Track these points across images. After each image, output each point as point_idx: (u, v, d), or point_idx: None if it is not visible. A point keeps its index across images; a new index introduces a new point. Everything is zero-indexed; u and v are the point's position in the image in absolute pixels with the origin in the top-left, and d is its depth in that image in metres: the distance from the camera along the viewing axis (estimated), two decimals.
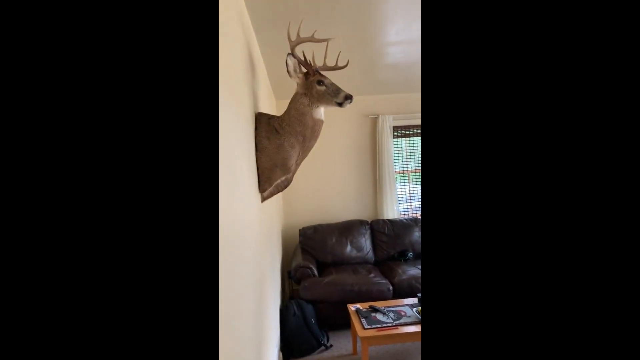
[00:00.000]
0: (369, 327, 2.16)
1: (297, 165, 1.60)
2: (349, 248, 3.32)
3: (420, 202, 3.88)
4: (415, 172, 3.89)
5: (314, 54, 1.58)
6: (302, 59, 1.54)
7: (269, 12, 1.81)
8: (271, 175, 1.54)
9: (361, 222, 3.48)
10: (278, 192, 1.65)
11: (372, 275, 2.95)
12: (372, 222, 3.53)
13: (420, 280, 2.84)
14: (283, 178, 1.58)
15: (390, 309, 2.37)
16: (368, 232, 3.45)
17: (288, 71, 1.50)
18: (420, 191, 3.88)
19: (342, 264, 3.26)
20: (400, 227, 3.44)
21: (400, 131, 3.83)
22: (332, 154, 3.75)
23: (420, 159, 3.87)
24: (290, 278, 2.98)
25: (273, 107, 3.08)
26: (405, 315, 2.28)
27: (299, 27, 1.52)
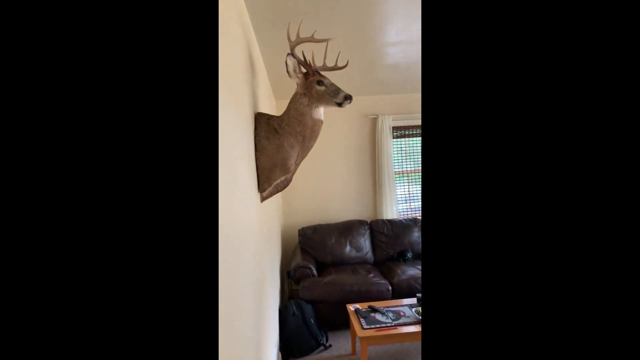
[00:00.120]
0: (368, 327, 2.16)
1: (297, 165, 1.60)
2: (348, 248, 3.32)
3: (420, 203, 3.88)
4: (415, 173, 3.89)
5: (314, 54, 1.58)
6: (302, 59, 1.54)
7: (268, 12, 1.81)
8: (270, 175, 1.54)
9: (360, 223, 3.48)
10: (277, 192, 1.65)
11: (371, 275, 2.95)
12: (371, 222, 3.53)
13: (419, 281, 2.85)
14: (282, 178, 1.58)
15: (389, 309, 2.37)
16: (367, 232, 3.45)
17: (288, 71, 1.50)
18: (419, 191, 3.88)
19: (341, 264, 3.26)
20: (399, 227, 3.44)
21: (400, 131, 3.83)
22: (331, 154, 3.75)
23: (419, 159, 3.87)
24: (290, 278, 2.98)
25: (273, 107, 3.08)
26: (404, 315, 2.28)
27: (299, 27, 1.52)
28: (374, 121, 3.74)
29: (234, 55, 1.20)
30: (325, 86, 1.48)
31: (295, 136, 1.50)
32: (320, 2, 1.77)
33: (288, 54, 1.48)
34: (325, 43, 1.55)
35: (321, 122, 1.54)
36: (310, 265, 2.95)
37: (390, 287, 2.82)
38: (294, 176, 1.65)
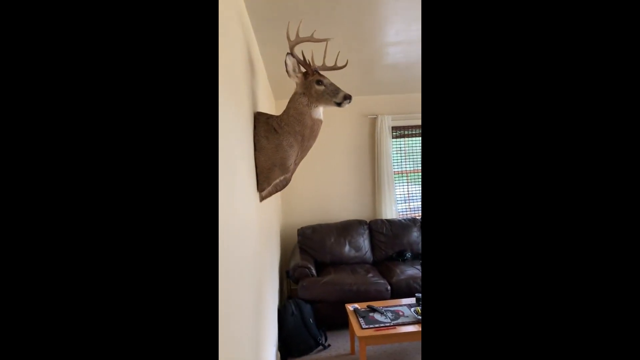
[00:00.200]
0: (366, 326, 2.16)
1: (296, 165, 1.60)
2: (347, 248, 3.32)
3: (419, 203, 3.89)
4: (414, 173, 3.90)
5: (313, 53, 1.58)
6: (301, 58, 1.54)
7: (268, 12, 1.81)
8: (270, 175, 1.54)
9: (360, 222, 3.49)
10: (277, 191, 1.65)
11: (370, 275, 2.95)
12: (370, 222, 3.53)
13: (418, 281, 2.85)
14: (282, 178, 1.58)
15: (388, 308, 2.37)
16: (366, 232, 3.45)
17: (287, 71, 1.50)
18: (418, 191, 3.89)
19: (340, 263, 3.26)
20: (398, 227, 3.44)
21: (399, 131, 3.83)
22: (331, 154, 3.75)
23: (418, 159, 3.88)
24: (289, 278, 2.98)
25: (272, 107, 3.08)
26: (403, 315, 2.29)
27: (299, 27, 1.52)
28: (374, 121, 3.75)
29: (233, 55, 1.20)
30: (325, 86, 1.48)
31: (294, 136, 1.50)
32: (320, 2, 1.77)
33: (287, 53, 1.47)
34: (325, 43, 1.55)
35: (320, 121, 1.54)
36: (309, 265, 2.96)
37: (389, 287, 2.82)
38: (293, 176, 1.65)
